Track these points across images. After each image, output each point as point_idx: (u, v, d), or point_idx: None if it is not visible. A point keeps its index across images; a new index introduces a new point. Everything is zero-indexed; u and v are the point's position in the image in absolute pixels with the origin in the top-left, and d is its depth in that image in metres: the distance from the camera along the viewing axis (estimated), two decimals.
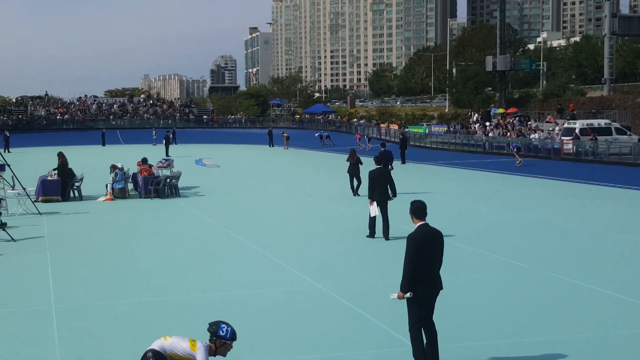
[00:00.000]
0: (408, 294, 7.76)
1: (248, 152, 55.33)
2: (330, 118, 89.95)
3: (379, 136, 64.75)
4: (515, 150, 39.67)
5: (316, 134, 67.58)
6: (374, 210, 16.37)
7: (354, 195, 24.70)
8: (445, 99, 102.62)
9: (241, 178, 33.23)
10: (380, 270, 13.54)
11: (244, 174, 35.70)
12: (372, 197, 16.45)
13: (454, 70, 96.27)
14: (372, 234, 16.60)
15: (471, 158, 43.70)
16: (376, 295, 11.47)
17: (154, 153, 40.90)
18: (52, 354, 8.77)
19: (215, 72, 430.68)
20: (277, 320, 10.28)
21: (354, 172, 25.14)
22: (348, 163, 25.48)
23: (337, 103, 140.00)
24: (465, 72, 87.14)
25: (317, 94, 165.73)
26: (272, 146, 62.53)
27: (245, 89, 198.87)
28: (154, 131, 65.45)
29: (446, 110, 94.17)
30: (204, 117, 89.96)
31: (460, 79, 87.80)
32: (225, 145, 64.55)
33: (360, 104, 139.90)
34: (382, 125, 74.53)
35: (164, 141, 50.24)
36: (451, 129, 62.52)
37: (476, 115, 65.22)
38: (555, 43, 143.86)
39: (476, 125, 59.91)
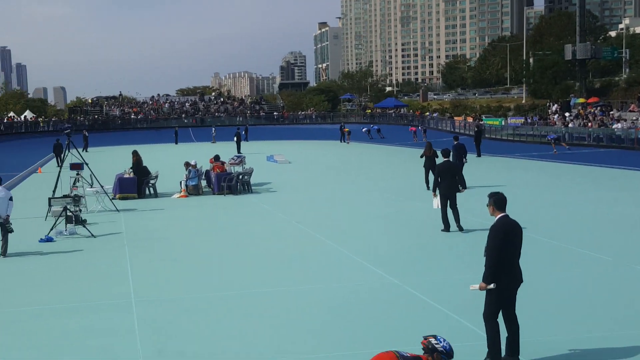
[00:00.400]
0: (491, 285, 7.76)
1: (319, 148, 55.64)
2: (402, 112, 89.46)
3: (452, 129, 64.06)
4: (553, 140, 41.09)
5: (363, 129, 67.99)
6: (436, 203, 16.54)
7: (428, 189, 24.58)
8: (522, 90, 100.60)
9: (313, 174, 33.46)
10: (455, 263, 13.47)
11: (315, 169, 35.93)
12: (436, 190, 16.57)
13: (531, 60, 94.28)
14: (446, 227, 16.56)
15: (550, 150, 42.75)
16: (451, 289, 11.42)
17: (216, 151, 41.52)
18: (133, 346, 9.10)
19: (285, 68, 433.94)
20: (353, 314, 10.36)
21: (430, 165, 24.97)
22: (423, 158, 25.28)
23: (409, 97, 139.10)
24: (543, 61, 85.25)
25: (388, 88, 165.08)
26: (343, 142, 62.82)
27: (315, 84, 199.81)
28: (213, 129, 66.57)
29: (523, 101, 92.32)
30: (275, 113, 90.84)
31: (537, 68, 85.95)
32: (296, 142, 65.08)
33: (435, 97, 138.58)
34: (456, 118, 73.65)
35: (235, 138, 50.95)
36: (528, 121, 61.29)
37: (555, 105, 63.75)
38: (638, 29, 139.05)
39: (555, 116, 58.56)
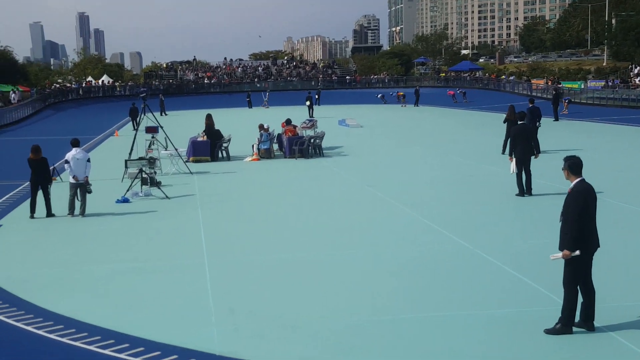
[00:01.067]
0: (576, 252, 7.60)
1: (392, 112, 55.21)
2: (477, 75, 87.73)
3: (529, 93, 62.47)
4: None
5: (378, 95, 67.95)
6: (513, 167, 16.30)
7: (503, 153, 24.10)
8: (603, 53, 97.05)
9: (385, 137, 33.25)
10: (528, 228, 13.23)
11: (388, 133, 35.70)
12: (512, 154, 16.32)
13: (613, 21, 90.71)
14: (521, 192, 16.30)
15: (631, 114, 41.26)
16: (525, 253, 11.24)
17: (266, 116, 41.57)
18: (206, 305, 9.30)
19: (358, 32, 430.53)
20: (425, 278, 10.31)
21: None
22: (506, 122, 24.63)
23: (484, 60, 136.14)
24: (627, 22, 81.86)
25: (463, 51, 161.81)
26: (417, 105, 62.15)
27: (388, 48, 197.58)
28: (266, 94, 67.02)
29: (604, 64, 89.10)
30: (347, 77, 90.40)
31: (620, 30, 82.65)
32: (368, 106, 64.73)
33: (514, 59, 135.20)
34: (533, 81, 71.76)
35: (307, 102, 50.92)
36: (609, 84, 59.19)
37: (638, 68, 61.33)
38: None
39: (637, 79, 56.37)
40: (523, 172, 16.33)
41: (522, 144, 16.28)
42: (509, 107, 25.47)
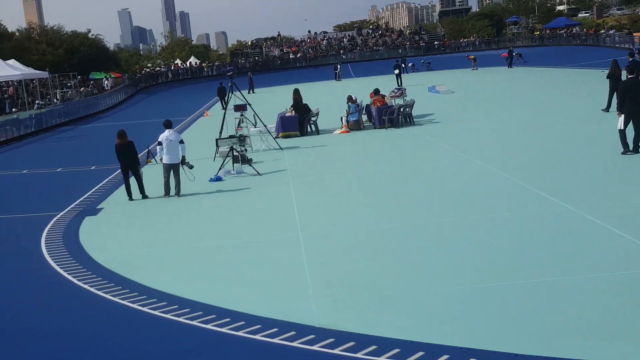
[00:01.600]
0: None
1: (484, 76, 54.08)
2: (574, 32, 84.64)
3: (631, 47, 59.81)
4: None
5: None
6: (621, 123, 15.66)
7: (607, 111, 23.25)
8: None
9: (477, 103, 32.63)
10: (636, 187, 12.76)
11: (480, 98, 35.03)
12: (621, 109, 15.66)
13: None
14: (626, 149, 15.73)
15: None
16: (634, 214, 10.86)
17: (354, 88, 41.31)
18: (302, 277, 9.47)
19: None
20: (526, 243, 10.14)
21: (616, 86, 23.58)
22: (609, 79, 23.75)
23: (582, 15, 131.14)
24: None
25: (558, 7, 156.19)
26: (511, 67, 60.64)
27: (477, 9, 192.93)
28: (337, 66, 66.48)
29: None
30: (435, 43, 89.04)
31: None
32: (458, 70, 63.61)
33: (614, 11, 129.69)
34: (635, 34, 68.65)
35: (395, 70, 50.41)
36: None
37: None
38: None
39: None
40: (631, 129, 15.73)
41: (632, 99, 15.63)
42: (612, 62, 24.53)
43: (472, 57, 65.23)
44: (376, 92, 27.18)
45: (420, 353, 6.78)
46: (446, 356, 6.68)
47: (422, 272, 9.29)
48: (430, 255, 10.01)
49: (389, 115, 25.41)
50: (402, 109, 26.03)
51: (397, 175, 16.47)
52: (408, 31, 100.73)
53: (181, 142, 16.19)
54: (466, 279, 8.84)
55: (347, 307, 8.23)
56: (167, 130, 16.14)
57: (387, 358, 6.76)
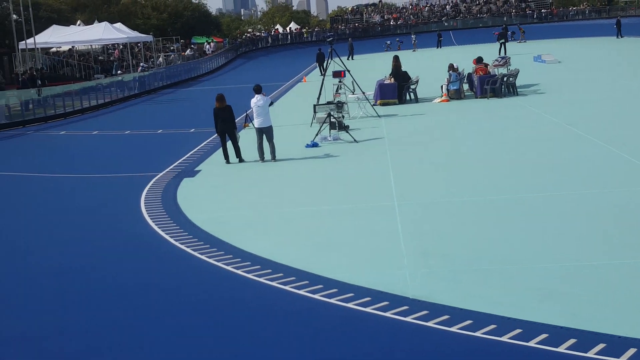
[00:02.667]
0: None
1: (592, 46, 51.89)
2: None
3: None
4: None
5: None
6: None
7: None
8: None
9: (585, 73, 31.32)
10: None
11: (587, 68, 33.61)
12: None
13: None
14: None
15: None
16: None
17: (456, 55, 40.14)
18: (397, 246, 9.33)
19: None
20: (633, 222, 9.65)
21: None
22: None
23: None
24: None
25: None
26: (621, 36, 57.88)
27: None
28: (413, 36, 64.21)
29: None
30: (542, 11, 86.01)
31: None
32: (566, 40, 61.25)
33: None
34: None
35: (497, 39, 48.87)
36: None
37: None
38: None
39: None
40: None
41: None
42: None
43: (522, 29, 63.11)
44: (479, 60, 26.44)
45: (518, 330, 6.55)
46: (544, 335, 6.42)
47: (522, 246, 8.98)
48: (531, 229, 9.67)
49: (492, 85, 24.70)
50: (505, 79, 25.25)
51: (499, 146, 16.00)
52: None
53: (271, 104, 16.49)
54: (569, 256, 8.49)
55: (443, 279, 8.05)
56: (256, 96, 16.26)
57: (483, 334, 6.56)
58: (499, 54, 41.60)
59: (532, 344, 6.29)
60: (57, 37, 46.75)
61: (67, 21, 58.10)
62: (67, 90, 32.77)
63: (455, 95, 25.04)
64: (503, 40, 47.80)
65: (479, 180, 12.82)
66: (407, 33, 79.27)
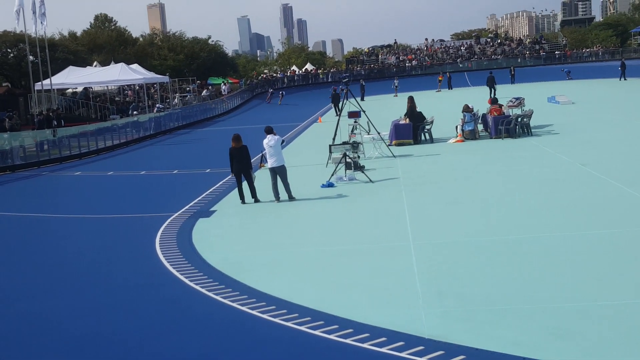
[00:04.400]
0: None
1: (606, 87, 52.00)
2: None
3: None
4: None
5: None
6: None
7: None
8: None
9: (598, 114, 31.39)
10: None
11: (601, 109, 33.66)
12: None
13: None
14: None
15: None
16: None
17: (470, 97, 40.30)
18: (412, 286, 9.33)
19: (568, 4, 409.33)
20: None
21: None
22: None
23: None
24: None
25: None
26: (625, 79, 58.00)
27: (601, 19, 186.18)
28: (395, 81, 63.72)
29: None
30: (556, 52, 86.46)
31: None
32: (580, 81, 61.47)
33: None
34: None
35: (486, 83, 48.69)
36: None
37: None
38: None
39: None
40: None
41: None
42: None
43: (441, 77, 64.49)
44: (494, 101, 26.60)
45: None
46: None
47: (538, 285, 8.96)
48: (547, 269, 9.65)
49: (506, 125, 24.79)
50: (519, 119, 25.35)
51: (514, 186, 16.02)
52: (528, 40, 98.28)
53: (282, 142, 16.81)
54: (586, 295, 8.46)
55: (459, 319, 8.04)
56: (267, 136, 16.45)
57: None
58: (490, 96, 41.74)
59: None
60: (73, 78, 47.43)
61: (83, 62, 59.00)
62: (83, 130, 33.13)
63: (470, 135, 25.15)
64: (492, 85, 47.91)
65: (494, 219, 12.83)
66: (422, 74, 79.83)
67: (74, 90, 51.76)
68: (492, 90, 46.96)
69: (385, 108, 42.43)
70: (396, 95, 59.15)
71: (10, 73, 60.49)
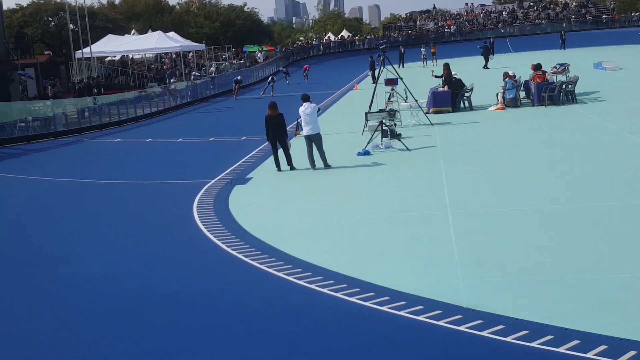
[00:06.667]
0: None
1: None
2: None
3: None
4: None
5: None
6: None
7: None
8: None
9: None
10: None
11: None
12: None
13: None
14: None
15: None
16: None
17: (512, 63, 39.64)
18: (450, 255, 9.29)
19: None
20: None
21: None
22: None
23: None
24: None
25: None
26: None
27: None
28: (422, 49, 57.94)
29: None
30: (603, 17, 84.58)
31: None
32: (628, 47, 60.07)
33: None
34: None
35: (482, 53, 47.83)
36: None
37: None
38: None
39: None
40: None
41: None
42: None
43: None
44: (537, 67, 26.14)
45: (575, 342, 6.47)
46: (603, 346, 6.33)
47: (579, 256, 8.87)
48: (588, 239, 9.55)
49: (549, 92, 24.40)
50: (564, 86, 24.92)
51: (556, 155, 15.81)
52: (574, 4, 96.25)
53: (318, 111, 16.89)
54: (629, 267, 8.35)
55: (497, 289, 8.00)
56: (304, 104, 16.45)
57: (539, 344, 6.50)
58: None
59: (590, 355, 6.21)
60: (112, 46, 47.88)
61: (121, 30, 59.46)
62: (122, 98, 33.52)
63: (511, 103, 24.80)
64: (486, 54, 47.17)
65: (535, 189, 12.69)
66: (462, 40, 78.75)
67: (113, 58, 52.25)
68: (486, 60, 46.58)
69: (424, 75, 42.03)
70: (425, 66, 53.69)
71: (51, 41, 61.28)
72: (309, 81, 48.64)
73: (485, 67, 45.36)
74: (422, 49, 58.36)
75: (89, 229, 12.67)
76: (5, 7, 44.34)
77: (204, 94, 42.67)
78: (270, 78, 42.70)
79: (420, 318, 7.32)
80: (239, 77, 44.24)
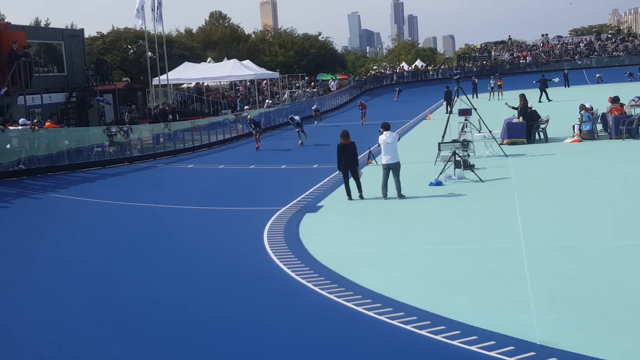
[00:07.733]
0: None
1: None
2: None
3: None
4: None
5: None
6: None
7: None
8: None
9: None
10: None
11: None
12: None
13: None
14: None
15: None
16: None
17: (589, 95, 38.68)
18: (524, 289, 9.09)
19: None
20: None
21: None
22: None
23: None
24: None
25: None
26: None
27: None
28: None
29: None
30: None
31: None
32: None
33: None
34: None
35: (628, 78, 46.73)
36: None
37: None
38: None
39: None
40: None
41: None
42: None
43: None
44: (615, 99, 25.54)
45: None
46: None
47: None
48: None
49: (628, 125, 23.77)
50: None
51: (634, 190, 15.35)
52: None
53: (398, 139, 16.74)
54: None
55: (573, 326, 7.77)
56: (384, 133, 16.40)
57: None
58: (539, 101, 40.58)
59: None
60: (188, 74, 48.96)
61: (198, 58, 60.80)
62: (196, 125, 34.17)
63: (588, 135, 24.27)
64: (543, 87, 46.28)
65: (612, 224, 12.34)
66: (538, 71, 77.56)
67: (189, 85, 53.43)
68: (543, 93, 45.82)
69: (498, 106, 41.54)
70: (490, 99, 51.06)
71: (130, 68, 63.15)
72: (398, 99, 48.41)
73: (543, 100, 44.48)
74: (490, 81, 57.44)
75: (161, 254, 12.87)
76: (86, 35, 45.96)
77: (278, 121, 43.12)
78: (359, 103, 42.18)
79: (493, 354, 7.17)
80: (315, 105, 44.36)
